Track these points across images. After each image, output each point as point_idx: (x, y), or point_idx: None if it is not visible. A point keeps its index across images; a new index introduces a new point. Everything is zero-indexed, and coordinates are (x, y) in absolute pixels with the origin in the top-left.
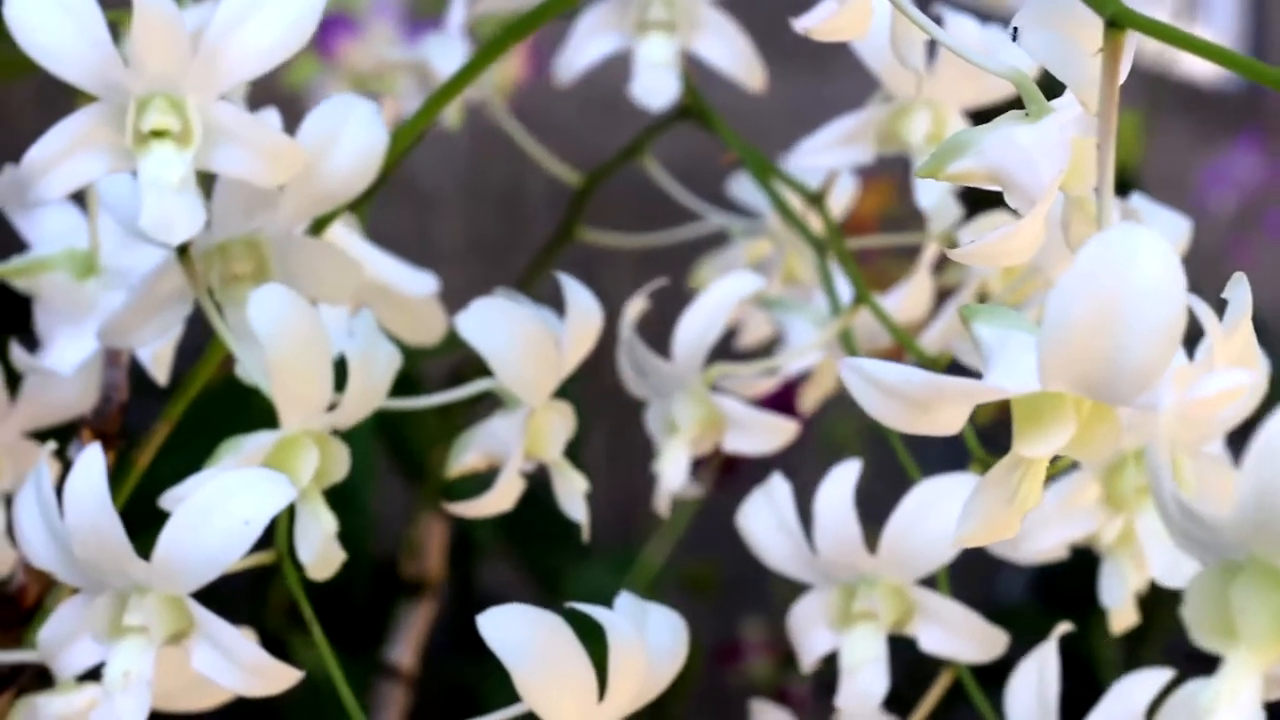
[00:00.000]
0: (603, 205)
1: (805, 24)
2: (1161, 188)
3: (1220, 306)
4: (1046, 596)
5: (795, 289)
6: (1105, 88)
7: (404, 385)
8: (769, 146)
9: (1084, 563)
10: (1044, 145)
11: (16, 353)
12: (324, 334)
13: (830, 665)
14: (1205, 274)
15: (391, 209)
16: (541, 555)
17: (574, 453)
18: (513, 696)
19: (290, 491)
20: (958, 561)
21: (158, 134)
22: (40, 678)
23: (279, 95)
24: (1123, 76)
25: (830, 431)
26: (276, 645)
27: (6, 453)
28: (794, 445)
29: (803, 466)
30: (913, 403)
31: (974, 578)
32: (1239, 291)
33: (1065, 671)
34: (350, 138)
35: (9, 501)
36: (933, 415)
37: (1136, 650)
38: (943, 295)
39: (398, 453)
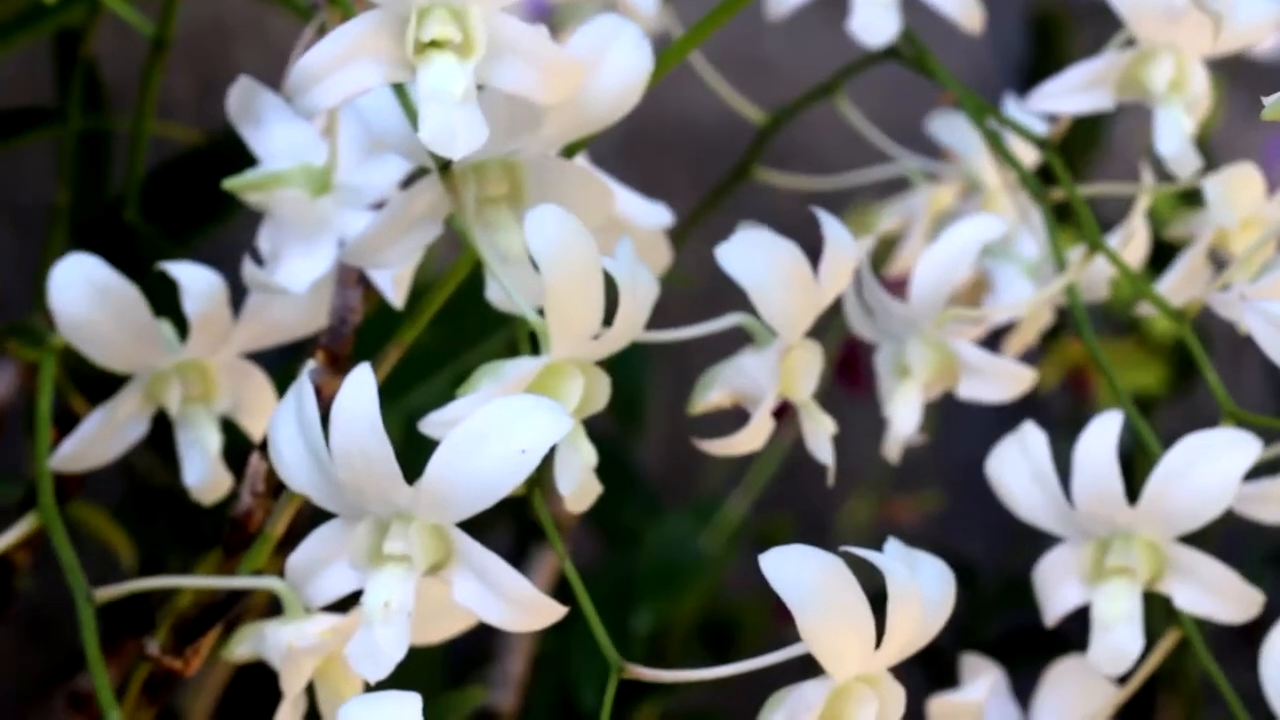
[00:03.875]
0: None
1: None
2: (1224, 157)
3: None
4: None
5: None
6: None
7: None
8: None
9: None
10: None
11: (249, 268)
12: (598, 258)
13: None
14: None
15: None
16: (615, 508)
17: (638, 407)
18: (592, 654)
19: (568, 421)
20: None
21: (438, 44)
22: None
23: None
24: None
25: None
26: None
27: (226, 372)
28: (860, 400)
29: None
30: None
31: (1030, 541)
32: None
33: None
34: (616, 60)
35: (225, 424)
36: None
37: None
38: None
39: None
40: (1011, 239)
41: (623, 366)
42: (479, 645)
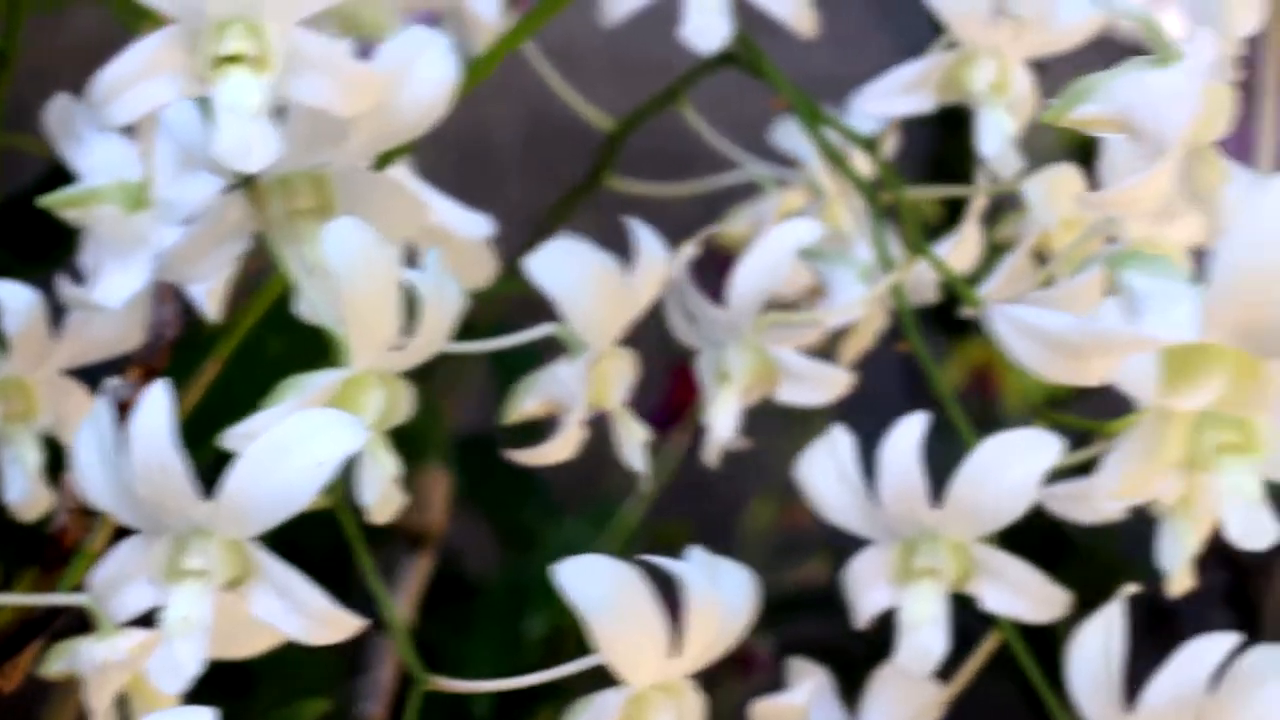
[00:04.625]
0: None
1: None
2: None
3: None
4: None
5: (835, 241)
6: (1275, 30)
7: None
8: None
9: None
10: (1177, 91)
11: (64, 286)
12: (396, 271)
13: (790, 628)
14: None
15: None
16: (514, 512)
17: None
18: (486, 659)
19: (364, 434)
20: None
21: (234, 59)
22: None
23: None
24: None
25: None
26: None
27: (46, 389)
28: (765, 411)
29: (778, 426)
30: (1067, 350)
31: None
32: None
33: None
34: (423, 71)
35: (46, 442)
36: (1084, 364)
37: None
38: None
39: None
40: (850, 243)
41: (522, 372)
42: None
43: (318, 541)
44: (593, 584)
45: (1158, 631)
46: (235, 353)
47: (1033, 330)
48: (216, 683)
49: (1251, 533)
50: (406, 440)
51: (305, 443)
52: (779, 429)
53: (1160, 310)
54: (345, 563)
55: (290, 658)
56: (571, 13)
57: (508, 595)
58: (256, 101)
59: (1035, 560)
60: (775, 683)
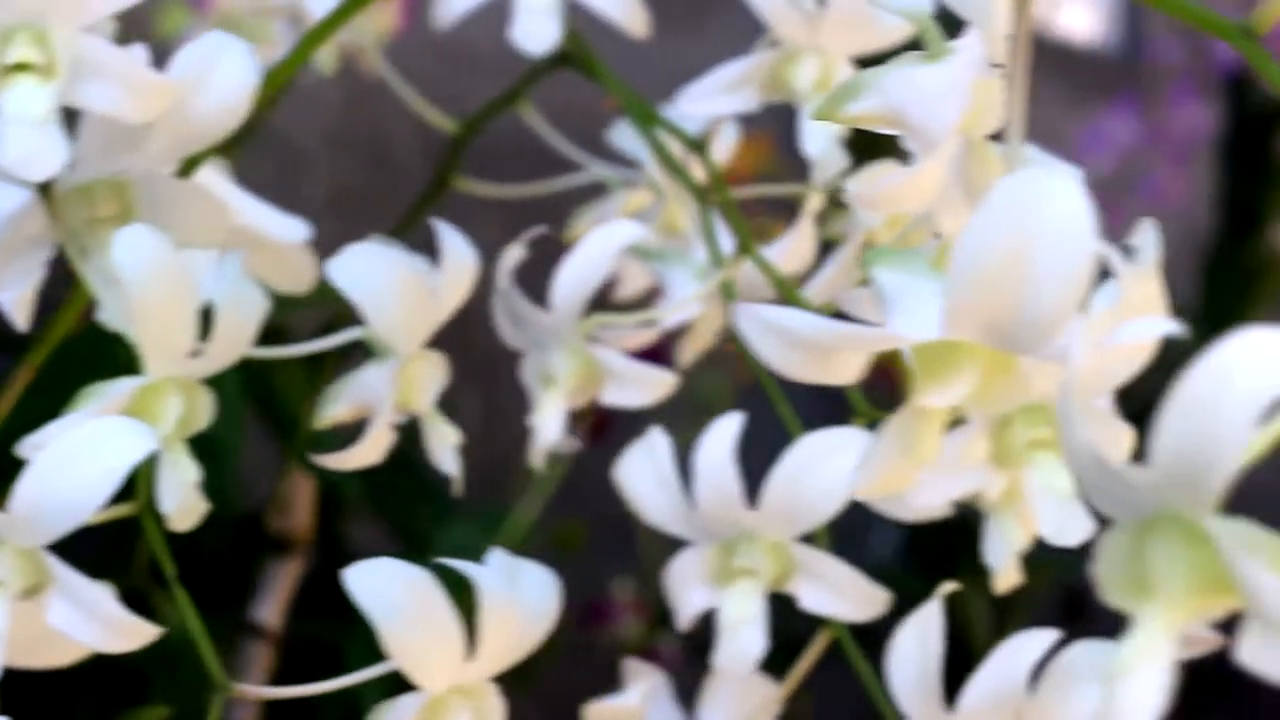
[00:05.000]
0: (480, 158)
1: None
2: (1047, 149)
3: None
4: (918, 558)
5: (674, 241)
6: (1021, 22)
7: (274, 337)
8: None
9: (954, 524)
10: (945, 87)
11: None
12: (189, 277)
13: (703, 626)
14: None
15: (258, 160)
16: (409, 514)
17: (447, 410)
18: (377, 656)
19: (152, 441)
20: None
21: (21, 67)
22: None
23: (149, 45)
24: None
25: (702, 389)
26: (140, 601)
27: None
28: (666, 404)
29: (674, 425)
30: (814, 350)
31: (844, 538)
32: (1147, 240)
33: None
34: (221, 77)
35: None
36: (831, 363)
37: (1006, 615)
38: (826, 248)
39: (267, 407)
40: (690, 243)
41: None
42: None
43: (216, 546)
44: (381, 589)
45: (1074, 624)
46: (49, 360)
47: (778, 330)
48: (110, 688)
49: (1064, 529)
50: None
51: (92, 451)
52: (678, 427)
53: (907, 308)
54: (246, 567)
55: (182, 662)
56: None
57: None
58: (42, 110)
59: (942, 553)
60: (684, 681)
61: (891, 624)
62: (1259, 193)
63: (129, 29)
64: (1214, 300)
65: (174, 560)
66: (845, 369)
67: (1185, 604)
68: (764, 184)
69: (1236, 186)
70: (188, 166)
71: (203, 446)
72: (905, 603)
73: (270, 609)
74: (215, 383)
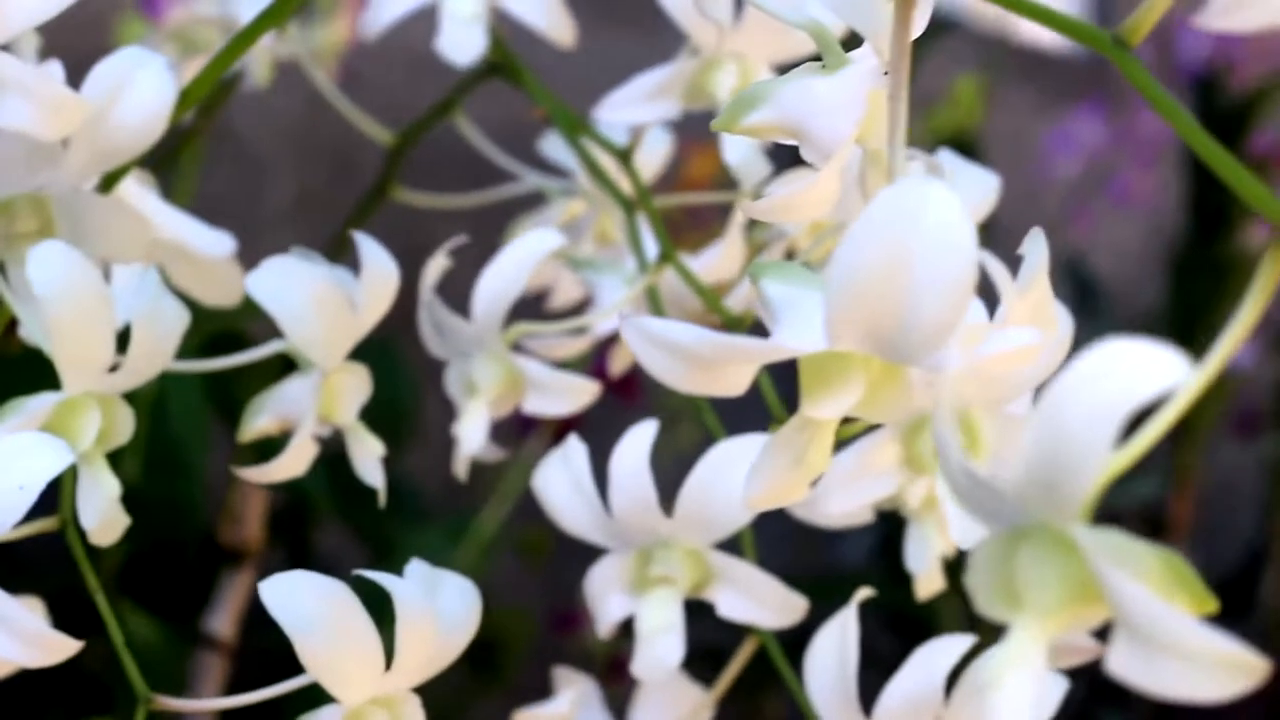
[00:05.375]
0: (433, 165)
1: None
2: (1005, 152)
3: (1071, 275)
4: (889, 560)
5: (609, 249)
6: (897, 37)
7: (234, 345)
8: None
9: None
10: (841, 96)
11: None
12: (105, 293)
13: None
14: (1049, 239)
15: (221, 169)
16: (374, 521)
17: (411, 418)
18: None
19: (67, 456)
20: (798, 524)
21: None
22: None
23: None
24: (919, 28)
25: (666, 396)
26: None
27: None
28: (631, 411)
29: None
30: (698, 362)
31: (816, 542)
32: (1034, 249)
33: (905, 636)
34: (138, 92)
35: None
36: (718, 375)
37: (978, 618)
38: (754, 256)
39: (229, 418)
40: (622, 252)
41: (388, 383)
42: None
43: (182, 557)
44: (297, 602)
45: None
46: None
47: (663, 342)
48: (77, 697)
49: (973, 534)
50: None
51: (6, 467)
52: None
53: (792, 320)
54: (211, 577)
55: (149, 673)
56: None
57: (368, 604)
58: None
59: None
60: None
61: (860, 627)
62: (1227, 193)
63: (86, 40)
64: (1182, 301)
65: (142, 570)
66: (733, 381)
67: (1056, 614)
68: (717, 191)
69: (1204, 187)
70: (109, 181)
71: (167, 459)
72: (875, 606)
73: (225, 619)
74: (179, 395)
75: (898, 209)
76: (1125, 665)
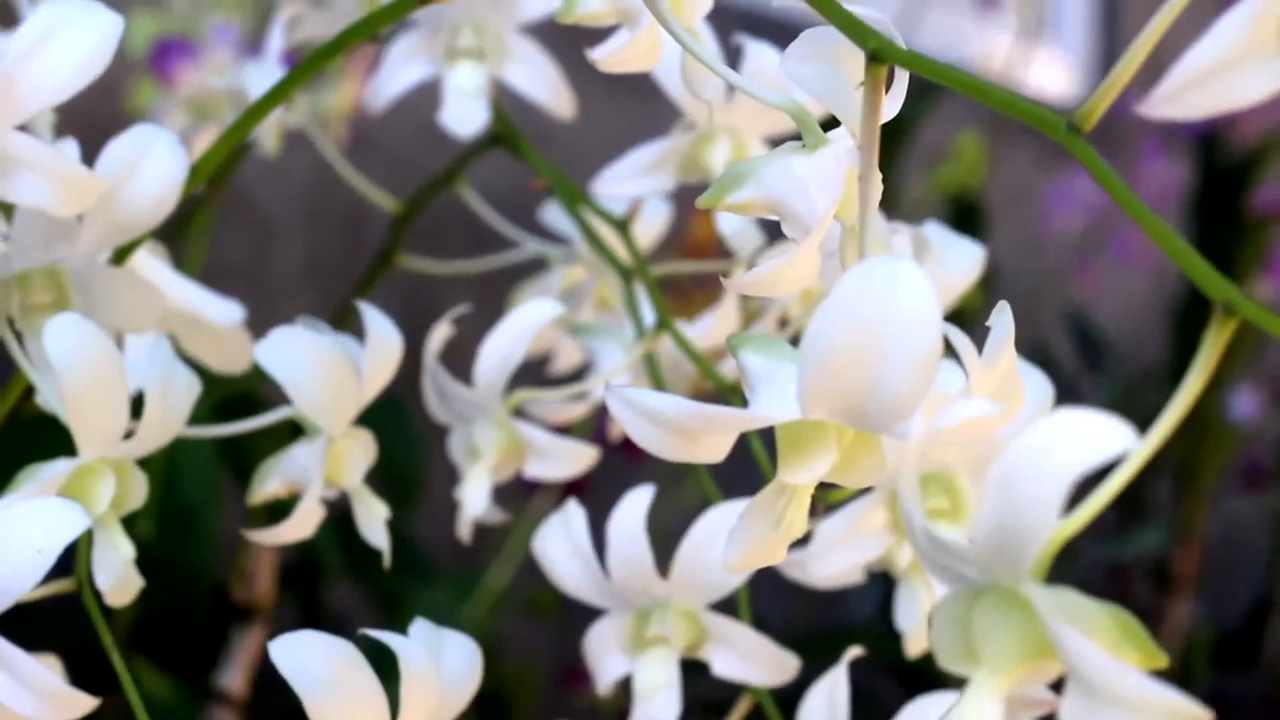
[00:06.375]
0: (438, 231)
1: (596, 55)
2: (1008, 207)
3: (1075, 329)
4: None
5: (608, 315)
6: (867, 121)
7: (247, 408)
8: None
9: None
10: (819, 175)
11: None
12: (119, 363)
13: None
14: (1051, 294)
15: (232, 235)
16: (384, 579)
17: (418, 477)
18: None
19: (84, 521)
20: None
21: None
22: None
23: (118, 119)
24: (891, 111)
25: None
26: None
27: None
28: (637, 470)
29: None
30: (679, 430)
31: (824, 597)
32: (1000, 323)
33: (912, 688)
34: (150, 168)
35: None
36: (697, 443)
37: None
38: (749, 322)
39: (242, 477)
40: (622, 318)
41: (397, 443)
42: None
43: (195, 615)
44: (305, 661)
45: None
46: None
47: (645, 411)
48: None
49: None
50: None
51: (22, 530)
52: (663, 489)
53: (769, 390)
54: (223, 635)
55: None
56: None
57: (374, 659)
58: None
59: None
60: None
61: (869, 682)
62: (1230, 248)
63: (99, 103)
64: (1186, 354)
65: (156, 627)
66: (714, 448)
67: (1011, 669)
68: (722, 253)
69: (1207, 242)
70: (122, 254)
71: (180, 522)
72: (884, 660)
73: (236, 676)
74: (192, 457)
75: (867, 287)
76: (1078, 717)
